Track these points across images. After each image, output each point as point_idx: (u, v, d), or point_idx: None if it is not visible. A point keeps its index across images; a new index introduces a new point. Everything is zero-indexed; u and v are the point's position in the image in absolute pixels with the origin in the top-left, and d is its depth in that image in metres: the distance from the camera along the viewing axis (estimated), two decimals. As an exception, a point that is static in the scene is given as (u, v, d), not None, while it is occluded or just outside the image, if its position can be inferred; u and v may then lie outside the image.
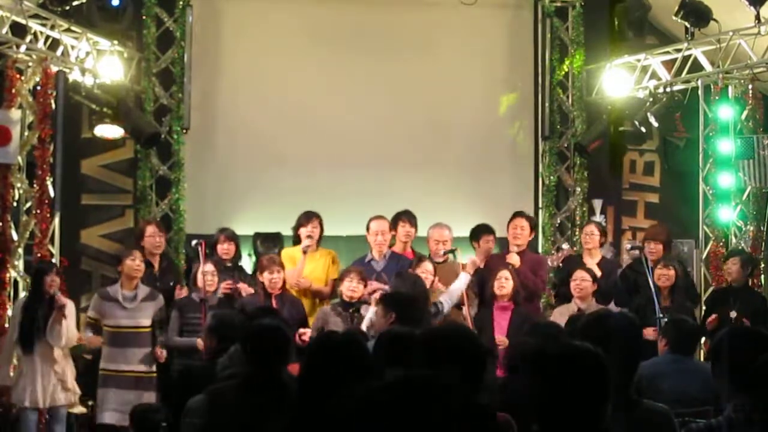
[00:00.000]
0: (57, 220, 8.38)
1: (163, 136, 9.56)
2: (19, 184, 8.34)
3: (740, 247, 8.74)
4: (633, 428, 3.10)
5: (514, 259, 7.77)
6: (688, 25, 8.83)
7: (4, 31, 7.83)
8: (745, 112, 8.97)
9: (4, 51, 8.10)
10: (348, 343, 3.51)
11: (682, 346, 5.56)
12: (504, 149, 10.48)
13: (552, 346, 2.77)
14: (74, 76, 8.64)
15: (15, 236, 8.26)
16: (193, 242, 7.64)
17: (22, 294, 7.96)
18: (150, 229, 7.99)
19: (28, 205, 8.40)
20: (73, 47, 8.68)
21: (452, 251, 7.72)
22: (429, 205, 8.83)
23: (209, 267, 7.31)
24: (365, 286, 7.08)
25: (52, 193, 8.29)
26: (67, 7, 8.34)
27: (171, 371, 7.05)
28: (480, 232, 8.36)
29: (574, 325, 5.17)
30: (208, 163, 9.96)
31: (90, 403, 7.76)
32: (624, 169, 10.63)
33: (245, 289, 7.45)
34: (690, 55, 9.12)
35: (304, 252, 7.64)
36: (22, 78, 8.29)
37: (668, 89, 9.26)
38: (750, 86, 8.91)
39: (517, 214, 8.15)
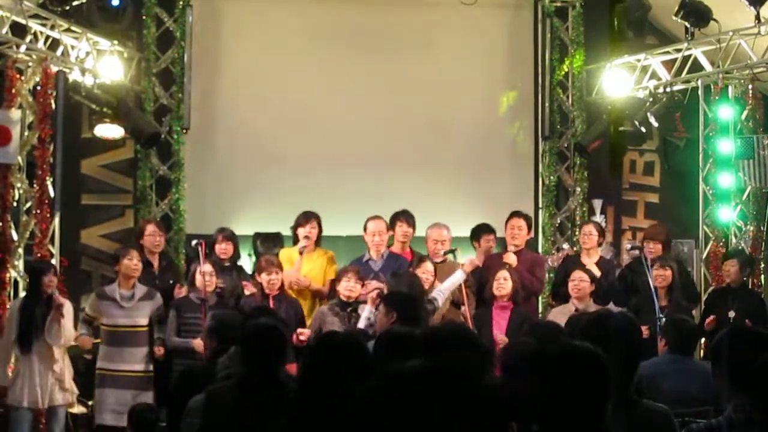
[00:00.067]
0: (57, 220, 8.38)
1: (163, 136, 9.57)
2: (19, 184, 8.34)
3: (740, 248, 8.74)
4: (633, 428, 3.10)
5: (511, 258, 7.77)
6: (688, 25, 8.83)
7: (4, 31, 7.83)
8: (745, 112, 8.97)
9: (4, 51, 8.09)
10: (348, 343, 3.52)
11: (682, 346, 5.56)
12: (504, 149, 10.48)
13: (551, 346, 2.77)
14: (74, 76, 8.64)
15: (15, 236, 8.26)
16: (193, 242, 7.63)
17: (23, 294, 7.96)
18: (150, 228, 7.99)
19: (28, 205, 8.40)
20: (73, 47, 8.69)
21: (452, 251, 7.73)
22: (429, 205, 8.84)
23: (207, 267, 7.30)
24: (363, 285, 7.08)
25: (52, 193, 8.28)
26: (67, 7, 8.34)
27: (170, 371, 7.05)
28: (480, 231, 8.38)
29: (574, 326, 5.16)
30: (208, 163, 9.96)
31: (90, 403, 7.75)
32: (624, 169, 10.63)
33: (249, 288, 7.45)
34: (690, 55, 9.12)
35: (301, 252, 7.64)
36: (22, 78, 8.29)
37: (668, 89, 9.26)
38: (750, 86, 8.91)
39: (515, 214, 8.14)
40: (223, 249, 7.91)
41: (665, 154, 10.58)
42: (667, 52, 9.44)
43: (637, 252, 7.91)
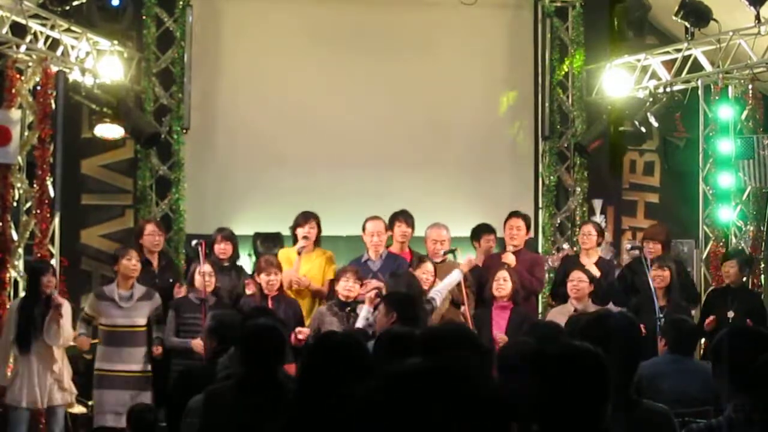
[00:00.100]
0: (57, 220, 8.38)
1: (163, 136, 9.57)
2: (19, 184, 8.34)
3: (740, 248, 8.74)
4: (633, 428, 3.10)
5: (509, 258, 7.76)
6: (688, 25, 8.83)
7: (4, 31, 7.83)
8: (745, 112, 8.97)
9: (4, 51, 8.10)
10: (347, 343, 3.52)
11: (682, 346, 5.55)
12: (504, 149, 10.48)
13: (551, 346, 2.77)
14: (74, 76, 8.64)
15: (15, 236, 8.26)
16: (193, 242, 7.63)
17: (23, 294, 7.96)
18: (149, 228, 7.99)
19: (28, 205, 8.40)
20: (73, 47, 8.69)
21: (452, 251, 7.73)
22: (429, 205, 8.85)
23: (207, 268, 7.29)
24: (361, 285, 7.08)
25: (52, 193, 8.29)
26: (67, 7, 8.35)
27: (169, 371, 7.04)
28: (481, 231, 8.38)
29: (573, 326, 5.16)
30: (208, 163, 9.96)
31: (90, 403, 7.74)
32: (624, 169, 10.63)
33: (251, 287, 7.44)
34: (690, 55, 9.12)
35: (299, 253, 7.64)
36: (22, 78, 8.29)
37: (668, 89, 9.26)
38: (750, 86, 8.92)
39: (513, 215, 8.13)
40: (221, 249, 7.90)
41: (665, 154, 10.58)
42: (667, 52, 9.44)
43: (637, 252, 7.91)
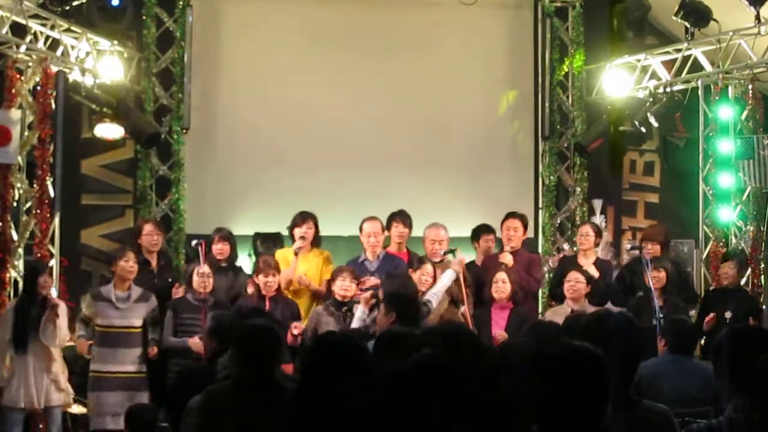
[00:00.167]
0: (57, 220, 8.37)
1: (163, 136, 9.57)
2: (19, 184, 8.34)
3: (739, 248, 8.74)
4: (633, 428, 3.10)
5: (507, 258, 7.76)
6: (688, 25, 8.84)
7: (4, 31, 7.83)
8: (745, 113, 8.97)
9: (4, 51, 8.09)
10: (347, 343, 3.52)
11: (682, 346, 5.55)
12: (504, 149, 10.48)
13: (551, 346, 2.77)
14: (74, 76, 8.64)
15: (15, 236, 8.26)
16: (193, 242, 7.62)
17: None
18: (148, 227, 7.99)
19: (28, 205, 8.40)
20: (73, 47, 8.69)
21: (452, 251, 7.71)
22: (429, 205, 8.85)
23: (205, 268, 7.28)
24: (358, 285, 7.08)
25: (52, 193, 8.28)
26: (67, 7, 8.34)
27: (167, 372, 7.03)
28: (480, 231, 8.38)
29: (570, 326, 5.16)
30: (208, 163, 9.96)
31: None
32: (624, 169, 10.64)
33: (252, 286, 7.43)
34: (690, 55, 9.12)
35: (296, 253, 7.63)
36: (22, 78, 8.29)
37: (668, 89, 9.26)
38: (750, 86, 8.92)
39: (510, 215, 8.13)
40: (219, 249, 7.90)
41: (665, 154, 10.58)
42: (667, 52, 9.44)
43: (637, 252, 7.91)
